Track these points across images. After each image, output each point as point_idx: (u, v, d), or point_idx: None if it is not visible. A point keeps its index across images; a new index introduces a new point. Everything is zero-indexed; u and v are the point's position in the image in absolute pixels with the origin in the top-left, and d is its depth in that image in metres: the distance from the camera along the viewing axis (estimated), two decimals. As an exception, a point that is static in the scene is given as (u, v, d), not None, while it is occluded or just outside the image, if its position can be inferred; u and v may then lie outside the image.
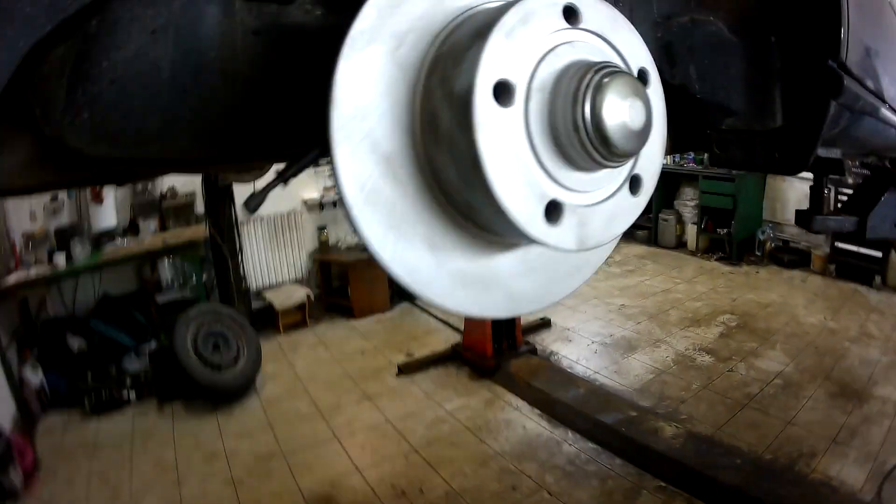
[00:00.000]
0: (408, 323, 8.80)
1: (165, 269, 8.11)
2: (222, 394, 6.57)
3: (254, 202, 0.89)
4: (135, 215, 8.11)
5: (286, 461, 5.47)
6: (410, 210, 0.83)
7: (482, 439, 5.60)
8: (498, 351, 7.04)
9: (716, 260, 10.99)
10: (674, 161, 11.17)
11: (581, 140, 0.77)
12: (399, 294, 9.55)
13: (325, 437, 5.84)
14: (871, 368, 6.59)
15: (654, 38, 1.46)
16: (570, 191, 0.82)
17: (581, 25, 0.82)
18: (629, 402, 6.06)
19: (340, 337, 8.43)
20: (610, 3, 0.87)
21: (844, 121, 1.48)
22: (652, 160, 0.95)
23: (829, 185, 2.67)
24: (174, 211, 8.28)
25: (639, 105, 0.80)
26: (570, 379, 6.63)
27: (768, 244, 10.82)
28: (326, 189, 9.67)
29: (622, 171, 0.90)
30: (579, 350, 7.46)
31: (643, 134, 0.82)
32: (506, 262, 0.95)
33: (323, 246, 9.75)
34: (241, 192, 8.22)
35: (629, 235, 11.75)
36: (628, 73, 0.82)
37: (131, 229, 8.04)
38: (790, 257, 10.46)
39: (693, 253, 11.49)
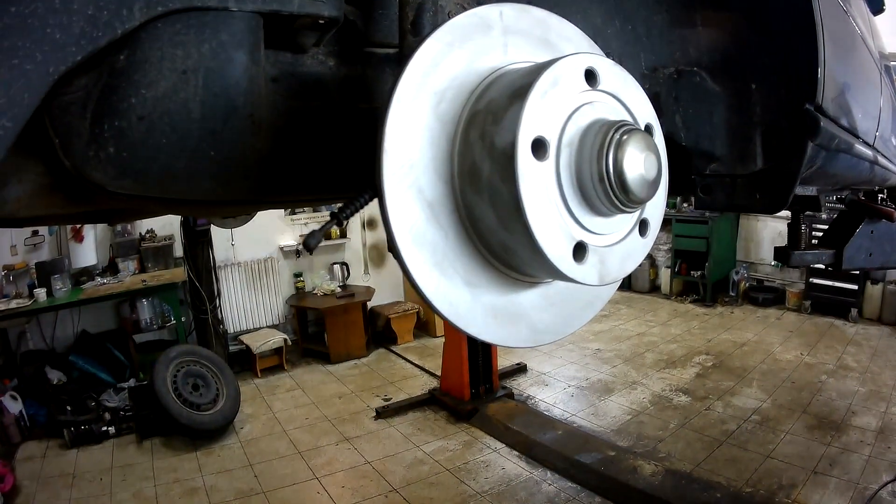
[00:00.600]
0: (384, 368, 8.84)
1: (144, 310, 8.10)
2: (202, 432, 6.57)
3: (314, 240, 0.94)
4: (114, 255, 8.15)
5: (266, 499, 5.46)
6: (451, 251, 0.92)
7: (462, 480, 5.62)
8: (475, 395, 7.14)
9: (690, 302, 11.15)
10: (647, 206, 11.36)
11: (605, 189, 0.88)
12: (375, 340, 9.69)
13: (304, 476, 5.84)
14: (850, 399, 6.73)
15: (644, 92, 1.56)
16: (592, 233, 0.93)
17: (599, 87, 0.93)
18: (607, 442, 6.11)
19: (317, 381, 8.45)
20: None
21: (821, 159, 1.56)
22: (657, 205, 1.07)
23: (804, 221, 2.75)
24: (153, 252, 8.29)
25: (652, 158, 0.91)
26: (547, 421, 6.68)
27: (742, 284, 10.99)
28: (302, 237, 9.71)
29: (634, 216, 1.01)
30: (556, 393, 7.53)
31: (656, 183, 0.93)
32: (530, 298, 1.04)
33: (299, 292, 9.86)
34: (219, 236, 8.39)
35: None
36: (642, 130, 0.93)
37: (110, 268, 8.08)
38: (765, 296, 10.64)
39: (667, 296, 11.68)
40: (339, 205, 0.98)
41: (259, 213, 4.45)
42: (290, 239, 9.80)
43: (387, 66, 1.29)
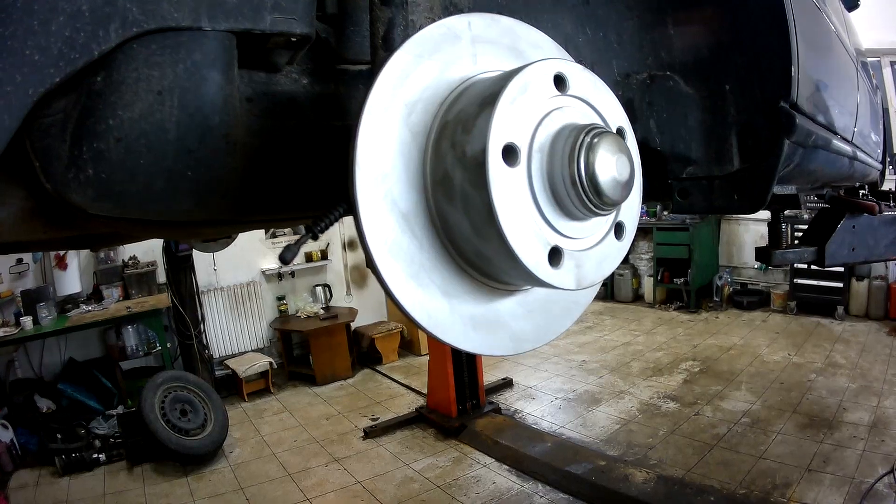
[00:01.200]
0: (370, 388, 8.82)
1: (130, 336, 8.05)
2: (192, 457, 6.53)
3: (290, 253, 0.94)
4: (98, 282, 8.13)
5: (258, 522, 5.41)
6: (427, 261, 0.92)
7: (453, 496, 5.59)
8: (462, 411, 7.13)
9: (674, 310, 11.19)
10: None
11: (578, 192, 0.88)
12: (360, 360, 9.70)
13: (295, 498, 5.79)
14: (840, 396, 6.76)
15: (616, 96, 1.56)
16: (567, 238, 0.93)
17: (569, 92, 0.94)
18: (597, 452, 6.10)
19: (304, 403, 8.42)
20: None
21: (798, 157, 1.57)
22: (632, 208, 1.07)
23: (785, 221, 2.76)
24: (136, 279, 8.27)
25: (624, 160, 0.92)
26: (536, 434, 6.67)
27: (726, 289, 11.02)
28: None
29: (609, 219, 1.02)
30: (543, 406, 7.52)
31: (629, 184, 0.94)
32: (508, 306, 1.04)
33: (283, 315, 9.86)
34: (202, 261, 8.36)
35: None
36: (613, 133, 0.94)
37: (95, 296, 8.05)
38: (749, 299, 10.69)
39: (650, 305, 11.71)
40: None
41: (240, 236, 4.44)
42: (272, 262, 9.79)
43: (360, 82, 1.29)
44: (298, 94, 1.22)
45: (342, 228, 10.35)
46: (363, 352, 9.88)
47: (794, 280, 10.16)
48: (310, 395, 8.73)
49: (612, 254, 1.02)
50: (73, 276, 7.83)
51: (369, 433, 7.10)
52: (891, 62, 9.56)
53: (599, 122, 0.99)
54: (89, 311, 7.66)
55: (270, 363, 8.84)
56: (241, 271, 9.46)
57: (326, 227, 0.95)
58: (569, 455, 6.01)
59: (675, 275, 11.26)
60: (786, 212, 2.47)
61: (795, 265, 9.55)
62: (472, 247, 0.91)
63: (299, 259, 9.91)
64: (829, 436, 5.87)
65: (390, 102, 0.89)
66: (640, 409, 7.11)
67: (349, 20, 1.21)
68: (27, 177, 0.96)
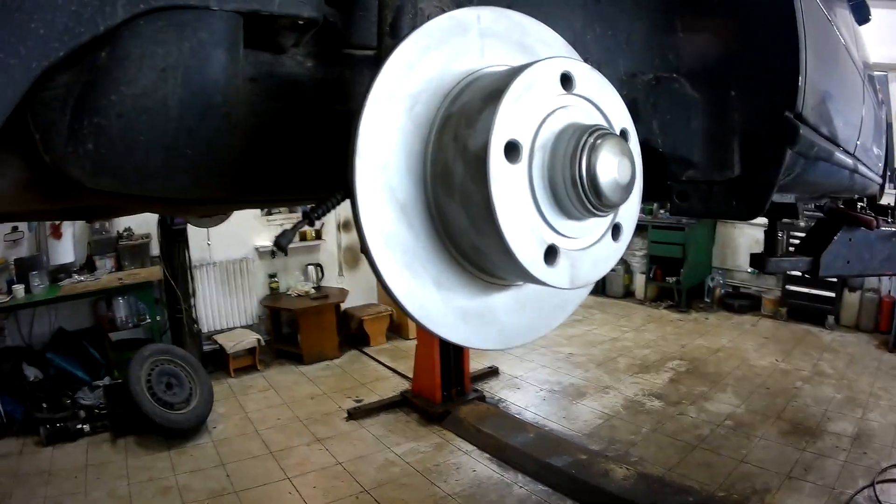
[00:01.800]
0: (356, 370, 8.83)
1: (120, 308, 8.06)
2: (175, 431, 6.55)
3: (285, 240, 0.94)
4: (91, 253, 8.10)
5: (238, 499, 5.43)
6: (422, 252, 0.92)
7: (433, 482, 5.62)
8: (447, 397, 7.15)
9: (665, 308, 11.22)
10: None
11: (578, 193, 0.88)
12: (348, 341, 9.69)
13: (276, 476, 5.82)
14: (826, 406, 6.80)
15: (620, 96, 1.56)
16: (564, 237, 0.93)
17: (574, 91, 0.93)
18: (579, 445, 6.13)
19: (290, 382, 8.43)
20: None
21: (800, 167, 1.57)
22: (631, 210, 1.07)
23: (782, 229, 2.76)
24: (129, 251, 8.26)
25: (626, 162, 0.91)
26: (519, 424, 6.70)
27: (718, 291, 11.04)
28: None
29: (606, 220, 1.01)
30: (528, 397, 7.56)
31: (629, 187, 0.94)
32: (500, 301, 1.04)
33: (273, 293, 9.85)
34: (196, 236, 8.36)
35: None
36: (617, 135, 0.93)
37: (88, 266, 8.02)
38: (740, 303, 10.73)
39: (641, 302, 11.75)
40: (312, 205, 0.98)
41: (235, 213, 4.42)
42: (266, 240, 9.76)
43: (365, 67, 1.28)
44: (302, 77, 1.21)
45: (338, 209, 10.30)
46: (351, 333, 9.87)
47: (787, 286, 10.19)
48: (296, 373, 8.73)
49: (608, 255, 1.02)
50: (67, 246, 7.79)
51: (353, 414, 7.12)
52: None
53: (604, 123, 0.98)
54: (81, 280, 7.64)
55: (258, 340, 8.85)
56: (234, 247, 9.43)
57: (324, 214, 0.95)
58: (550, 447, 6.05)
59: (667, 273, 11.27)
60: (784, 219, 2.46)
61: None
62: (469, 241, 0.91)
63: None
64: (812, 444, 5.91)
65: (394, 92, 0.88)
66: (625, 406, 7.16)
67: (358, 5, 1.21)
68: (26, 149, 0.96)
